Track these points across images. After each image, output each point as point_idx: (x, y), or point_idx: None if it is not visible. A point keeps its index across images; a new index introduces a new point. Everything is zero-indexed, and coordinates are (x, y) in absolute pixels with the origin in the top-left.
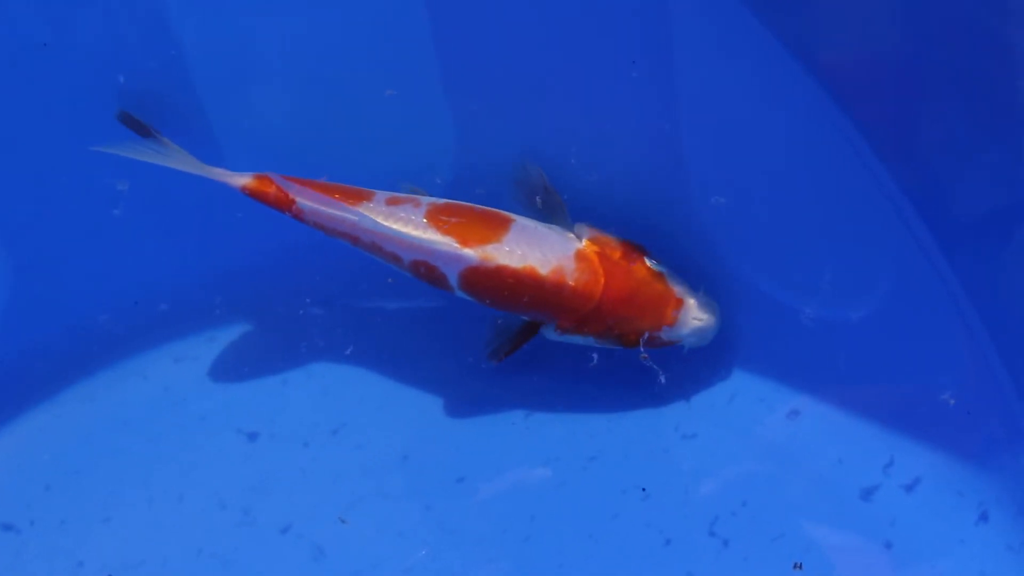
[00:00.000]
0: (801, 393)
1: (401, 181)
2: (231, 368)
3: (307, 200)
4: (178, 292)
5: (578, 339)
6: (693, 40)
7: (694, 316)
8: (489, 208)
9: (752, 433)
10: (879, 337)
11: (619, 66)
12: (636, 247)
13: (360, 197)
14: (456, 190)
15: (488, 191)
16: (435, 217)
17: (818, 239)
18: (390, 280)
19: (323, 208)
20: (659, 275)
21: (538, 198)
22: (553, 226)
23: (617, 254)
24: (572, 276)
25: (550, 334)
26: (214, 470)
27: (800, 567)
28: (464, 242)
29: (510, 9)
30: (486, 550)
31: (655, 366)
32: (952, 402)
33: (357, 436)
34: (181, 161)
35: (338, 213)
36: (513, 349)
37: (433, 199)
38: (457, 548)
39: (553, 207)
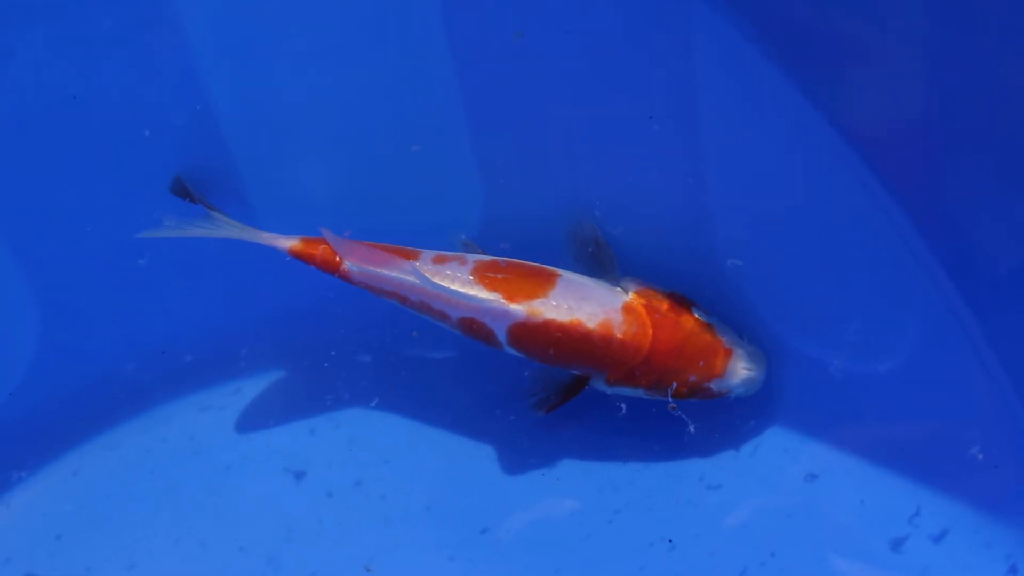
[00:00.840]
0: (827, 445)
1: (426, 236)
2: (257, 418)
3: (355, 261)
4: (203, 342)
5: (628, 391)
6: (718, 96)
7: (744, 366)
8: (535, 264)
9: (778, 484)
10: (906, 391)
11: (639, 121)
12: (683, 299)
13: (407, 256)
14: (481, 244)
15: (513, 245)
16: (482, 274)
17: (845, 293)
18: (415, 334)
19: (371, 268)
20: (707, 326)
21: (590, 250)
22: (600, 280)
23: (664, 306)
24: (620, 329)
25: (600, 386)
26: (238, 518)
27: None
28: (511, 298)
29: (533, 64)
30: None
31: (684, 416)
32: (980, 456)
33: (381, 486)
34: (228, 230)
35: (386, 273)
36: (562, 402)
37: (479, 256)
38: None
39: (603, 261)
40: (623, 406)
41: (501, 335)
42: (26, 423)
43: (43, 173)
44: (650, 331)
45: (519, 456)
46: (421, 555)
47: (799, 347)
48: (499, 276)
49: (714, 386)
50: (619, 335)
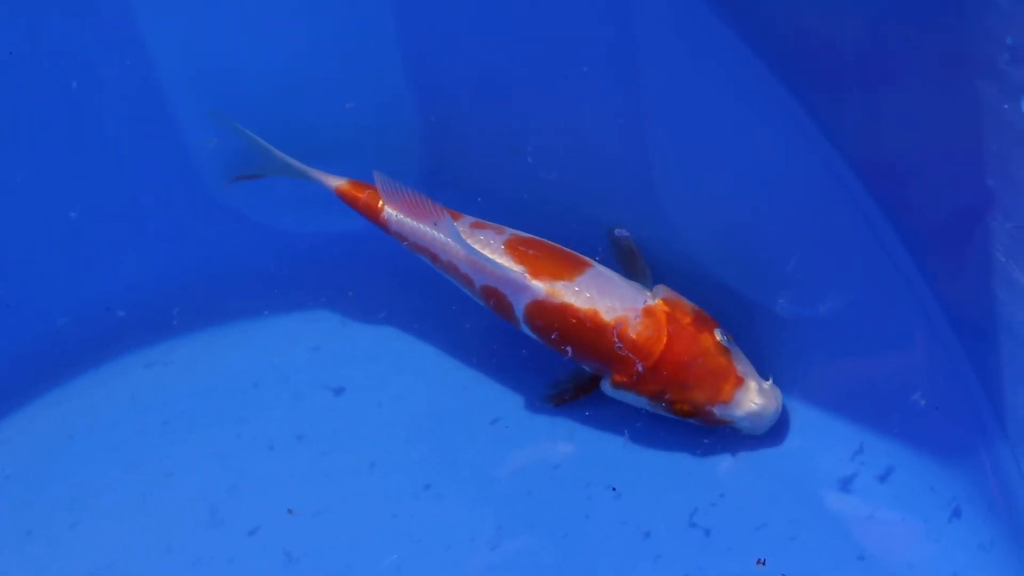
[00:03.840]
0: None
1: None
2: (196, 373)
3: (397, 209)
4: (136, 298)
5: (631, 397)
6: (655, 41)
7: (752, 399)
8: (571, 251)
9: (720, 428)
10: (849, 334)
11: (572, 66)
12: (709, 318)
13: (448, 215)
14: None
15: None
16: (514, 246)
17: (783, 233)
18: (350, 293)
19: (409, 220)
20: (725, 350)
21: (624, 256)
22: (632, 282)
23: (687, 319)
24: (635, 328)
25: (606, 387)
26: (180, 472)
27: (764, 563)
28: (535, 274)
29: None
30: (453, 556)
31: None
32: (922, 402)
33: (323, 442)
34: (277, 164)
35: (421, 227)
36: (573, 398)
37: (517, 232)
38: (424, 555)
39: (637, 270)
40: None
41: (519, 310)
42: None
43: None
44: (665, 338)
45: (462, 414)
46: (364, 509)
47: (741, 289)
48: (530, 252)
49: (717, 411)
50: (633, 334)
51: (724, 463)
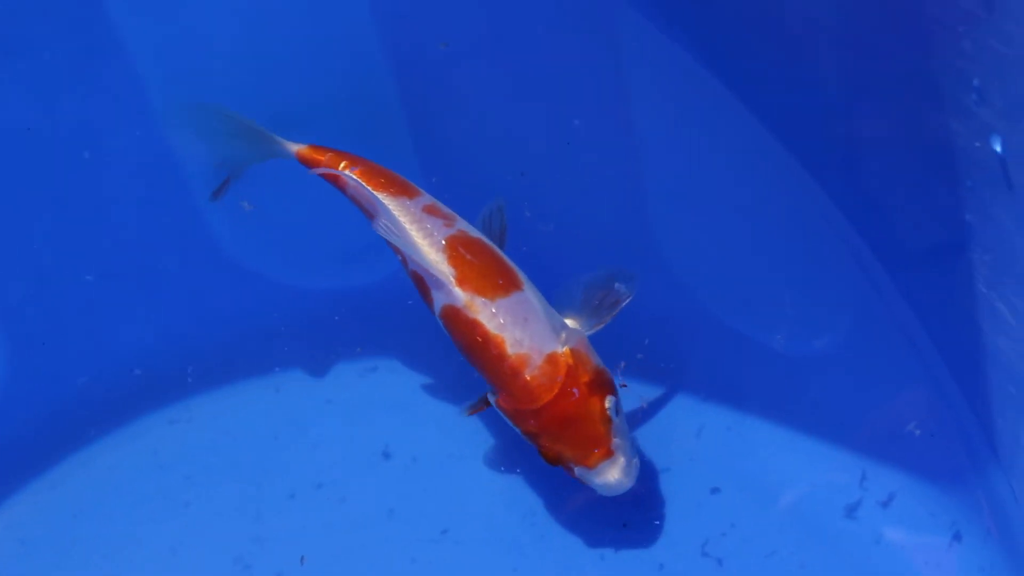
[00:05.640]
0: (771, 422)
1: None
2: (221, 429)
3: (356, 175)
4: (152, 357)
5: (509, 422)
6: (646, 93)
7: (613, 474)
8: (513, 267)
9: (725, 462)
10: (843, 369)
11: (566, 119)
12: (608, 382)
13: (403, 192)
14: None
15: None
16: (455, 245)
17: (779, 275)
18: (358, 349)
19: (365, 188)
20: (608, 419)
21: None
22: (555, 318)
23: (586, 378)
24: (531, 371)
25: (492, 399)
26: (205, 524)
27: None
28: (461, 281)
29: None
30: None
31: (637, 394)
32: (918, 432)
33: (342, 490)
34: (242, 132)
35: (372, 198)
36: (477, 409)
37: (467, 229)
38: None
39: (589, 312)
40: None
41: (436, 305)
42: None
43: None
44: (556, 390)
45: (475, 460)
46: (384, 554)
47: (737, 327)
48: (467, 256)
49: (578, 471)
50: (527, 376)
51: (731, 494)
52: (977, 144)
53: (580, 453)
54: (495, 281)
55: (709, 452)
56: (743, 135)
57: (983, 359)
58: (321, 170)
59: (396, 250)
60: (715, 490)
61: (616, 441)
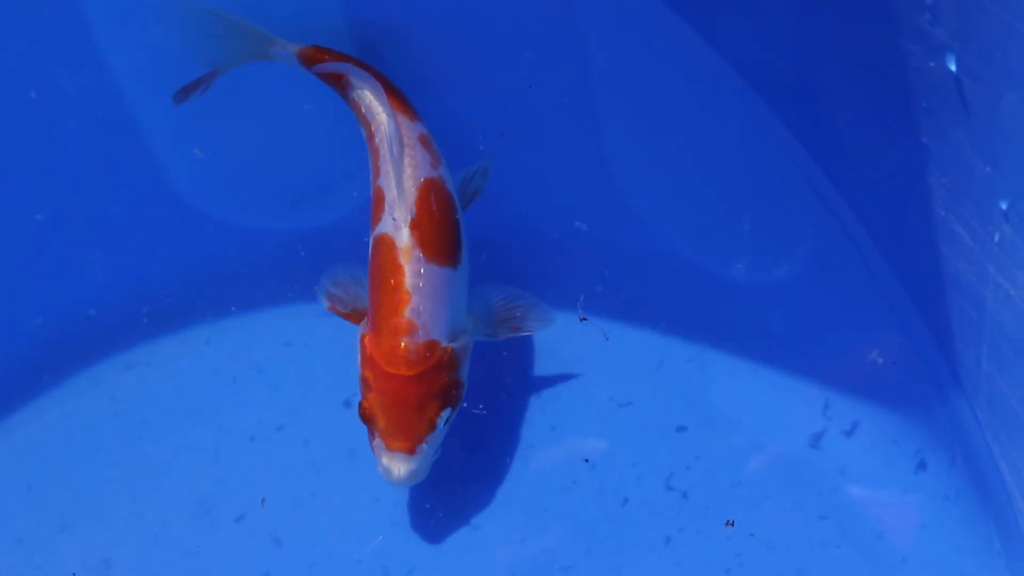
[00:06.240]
0: (734, 354)
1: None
2: (179, 372)
3: (367, 71)
4: (109, 299)
5: (357, 356)
6: (605, 27)
7: (397, 468)
8: (463, 241)
9: (689, 395)
10: (805, 298)
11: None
12: (458, 397)
13: (405, 111)
14: None
15: None
16: (429, 189)
17: (736, 205)
18: (316, 288)
19: (369, 90)
20: (432, 426)
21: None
22: (463, 312)
23: (443, 382)
24: (410, 341)
25: (363, 328)
26: (166, 468)
27: (732, 524)
28: (414, 226)
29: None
30: (435, 540)
31: (598, 327)
32: (880, 360)
33: (304, 432)
34: (239, 38)
35: (382, 102)
36: (340, 312)
37: (447, 178)
38: (405, 540)
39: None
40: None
41: (376, 229)
42: None
43: None
44: (413, 373)
45: None
46: (347, 495)
47: (696, 259)
48: (433, 207)
49: (375, 442)
50: (403, 342)
51: (695, 426)
52: (932, 64)
53: (390, 432)
54: (442, 246)
55: (671, 385)
56: (697, 65)
57: (943, 284)
58: (327, 66)
59: (374, 158)
60: (678, 423)
61: (424, 447)
